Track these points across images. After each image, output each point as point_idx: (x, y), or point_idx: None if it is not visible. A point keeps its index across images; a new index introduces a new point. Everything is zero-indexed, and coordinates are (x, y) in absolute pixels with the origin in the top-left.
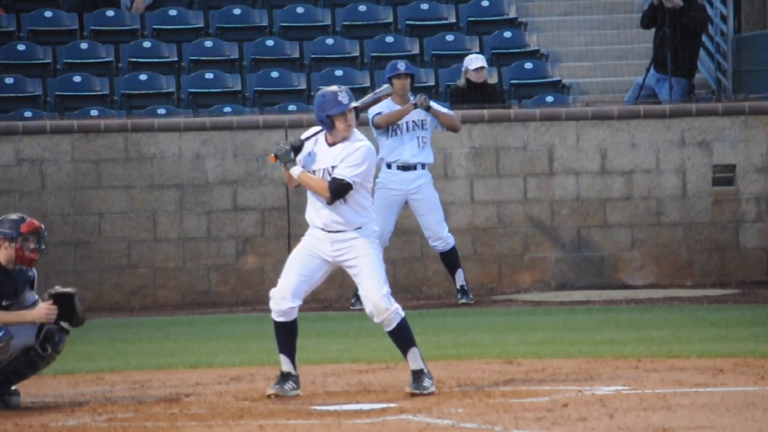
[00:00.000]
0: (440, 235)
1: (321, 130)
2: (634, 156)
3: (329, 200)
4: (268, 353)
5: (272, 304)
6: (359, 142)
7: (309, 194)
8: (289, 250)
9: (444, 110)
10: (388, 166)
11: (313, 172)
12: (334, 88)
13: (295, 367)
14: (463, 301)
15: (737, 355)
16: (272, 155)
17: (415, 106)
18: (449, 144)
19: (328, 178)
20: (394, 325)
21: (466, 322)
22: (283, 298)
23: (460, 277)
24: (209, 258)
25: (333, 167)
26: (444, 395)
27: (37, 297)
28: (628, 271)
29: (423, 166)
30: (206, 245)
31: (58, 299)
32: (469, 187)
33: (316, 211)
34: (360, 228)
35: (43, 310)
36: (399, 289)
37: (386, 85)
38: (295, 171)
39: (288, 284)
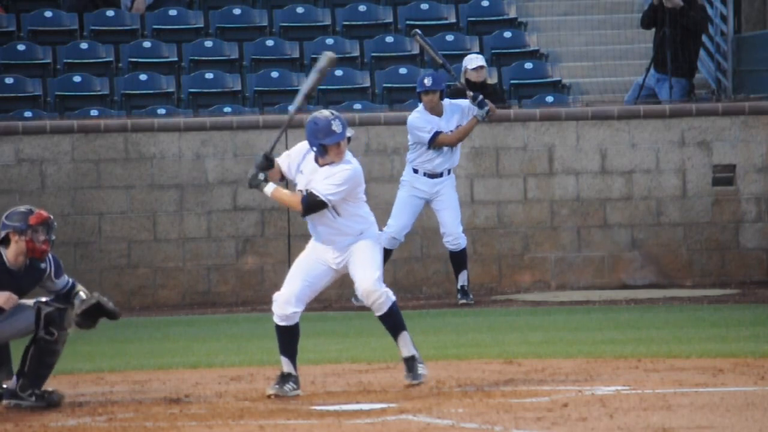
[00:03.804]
0: (452, 232)
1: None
2: (634, 156)
3: (302, 214)
4: (268, 353)
5: (275, 308)
6: (346, 165)
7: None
8: (289, 250)
9: (468, 127)
10: (415, 170)
11: (300, 192)
12: (326, 114)
13: (295, 368)
14: (463, 301)
15: (737, 355)
16: (248, 184)
17: (482, 120)
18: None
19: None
20: (385, 308)
21: (466, 322)
22: (287, 303)
23: (463, 278)
24: (209, 258)
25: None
26: (444, 395)
27: (69, 279)
28: (628, 271)
29: (449, 171)
30: (206, 245)
31: (88, 313)
32: (469, 187)
33: (314, 228)
34: (361, 233)
35: (3, 295)
36: (399, 289)
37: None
38: (268, 190)
39: (292, 289)
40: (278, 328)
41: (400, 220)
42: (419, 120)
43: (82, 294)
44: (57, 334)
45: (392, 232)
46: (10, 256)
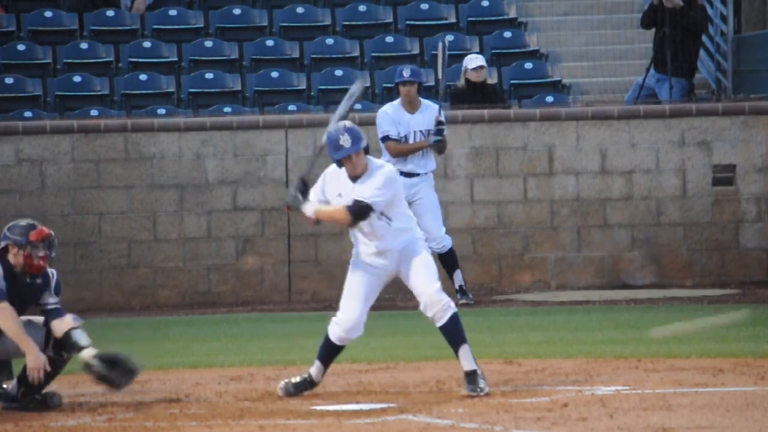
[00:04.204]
0: (436, 236)
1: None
2: (634, 156)
3: (351, 223)
4: (268, 353)
5: (339, 331)
6: (381, 169)
7: (351, 232)
8: (289, 250)
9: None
10: None
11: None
12: (339, 127)
13: (323, 375)
14: (463, 301)
15: (737, 355)
16: (286, 206)
17: (434, 146)
18: (449, 144)
19: (374, 214)
20: (446, 319)
21: (466, 322)
22: (355, 329)
23: (458, 278)
24: (209, 258)
25: None
26: (444, 395)
27: (59, 306)
28: (628, 271)
29: (425, 173)
30: (206, 245)
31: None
32: (469, 187)
33: (366, 245)
34: (406, 230)
35: (38, 362)
36: (399, 290)
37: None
38: (310, 209)
39: (358, 315)
40: (332, 344)
41: None
42: (386, 117)
43: (84, 345)
44: (65, 356)
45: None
46: (13, 261)
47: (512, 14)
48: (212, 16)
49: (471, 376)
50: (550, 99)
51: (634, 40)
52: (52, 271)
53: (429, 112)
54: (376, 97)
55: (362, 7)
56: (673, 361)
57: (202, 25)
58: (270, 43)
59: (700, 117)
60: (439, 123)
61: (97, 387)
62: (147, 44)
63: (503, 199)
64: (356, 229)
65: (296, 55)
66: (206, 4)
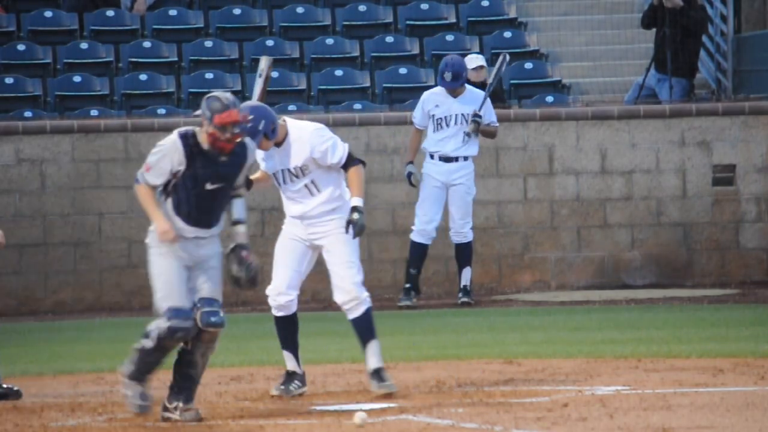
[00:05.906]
0: (460, 230)
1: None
2: (634, 156)
3: (362, 163)
4: (268, 353)
5: (271, 301)
6: (304, 131)
7: (282, 193)
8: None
9: (490, 123)
10: (431, 156)
11: (274, 175)
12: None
13: (299, 364)
14: (464, 300)
15: (737, 355)
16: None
17: (468, 135)
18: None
19: (301, 181)
20: (359, 312)
21: (466, 322)
22: (280, 294)
23: (466, 276)
24: None
25: (297, 167)
26: (444, 395)
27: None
28: (628, 271)
29: (465, 158)
30: None
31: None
32: None
33: (289, 209)
34: (334, 209)
35: (164, 225)
36: (399, 289)
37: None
38: (356, 204)
39: (281, 279)
40: (277, 320)
41: (426, 216)
42: (424, 102)
43: (236, 218)
44: (191, 344)
45: (417, 225)
46: (202, 138)
47: (512, 14)
48: (212, 16)
49: (378, 373)
50: (550, 99)
51: (634, 40)
52: (248, 145)
53: (472, 98)
54: (375, 97)
55: (362, 7)
56: (673, 361)
57: (202, 25)
58: (270, 43)
59: (700, 117)
60: (475, 115)
61: (96, 387)
62: (147, 44)
63: (503, 199)
64: (284, 191)
65: (296, 55)
66: (206, 4)
